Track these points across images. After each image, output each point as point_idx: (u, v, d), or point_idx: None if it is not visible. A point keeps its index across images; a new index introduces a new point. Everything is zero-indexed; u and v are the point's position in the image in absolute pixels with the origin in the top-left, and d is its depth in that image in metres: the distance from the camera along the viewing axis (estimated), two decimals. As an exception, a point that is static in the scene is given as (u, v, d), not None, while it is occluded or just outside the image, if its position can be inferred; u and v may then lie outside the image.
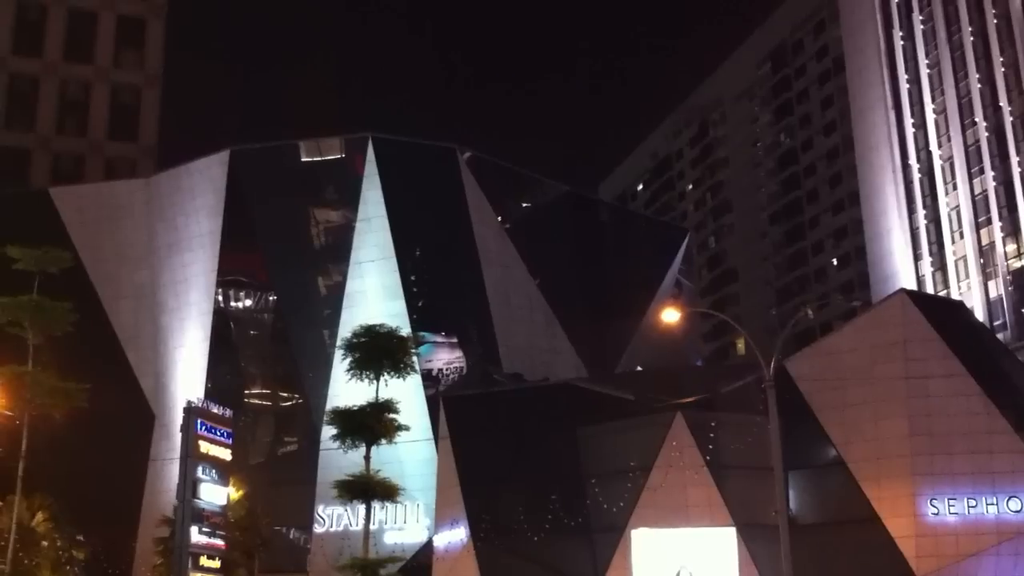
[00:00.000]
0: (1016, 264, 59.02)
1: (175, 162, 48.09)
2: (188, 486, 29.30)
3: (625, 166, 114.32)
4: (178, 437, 31.61)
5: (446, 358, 43.85)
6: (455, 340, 44.48)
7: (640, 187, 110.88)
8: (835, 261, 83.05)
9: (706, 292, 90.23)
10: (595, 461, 32.26)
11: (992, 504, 30.05)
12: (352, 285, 43.88)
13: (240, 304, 46.73)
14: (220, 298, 45.47)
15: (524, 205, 52.10)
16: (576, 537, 31.27)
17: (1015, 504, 29.96)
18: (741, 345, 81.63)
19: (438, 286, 44.12)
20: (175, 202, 46.19)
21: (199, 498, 29.59)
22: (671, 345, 48.18)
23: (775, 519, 24.33)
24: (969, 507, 29.91)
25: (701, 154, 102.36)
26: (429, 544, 35.32)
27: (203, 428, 30.48)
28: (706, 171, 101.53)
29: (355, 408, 25.56)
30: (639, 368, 45.85)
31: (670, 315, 32.22)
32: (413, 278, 43.92)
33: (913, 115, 65.37)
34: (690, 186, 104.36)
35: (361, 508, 25.59)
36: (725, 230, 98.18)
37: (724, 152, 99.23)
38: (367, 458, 25.25)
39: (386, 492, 25.24)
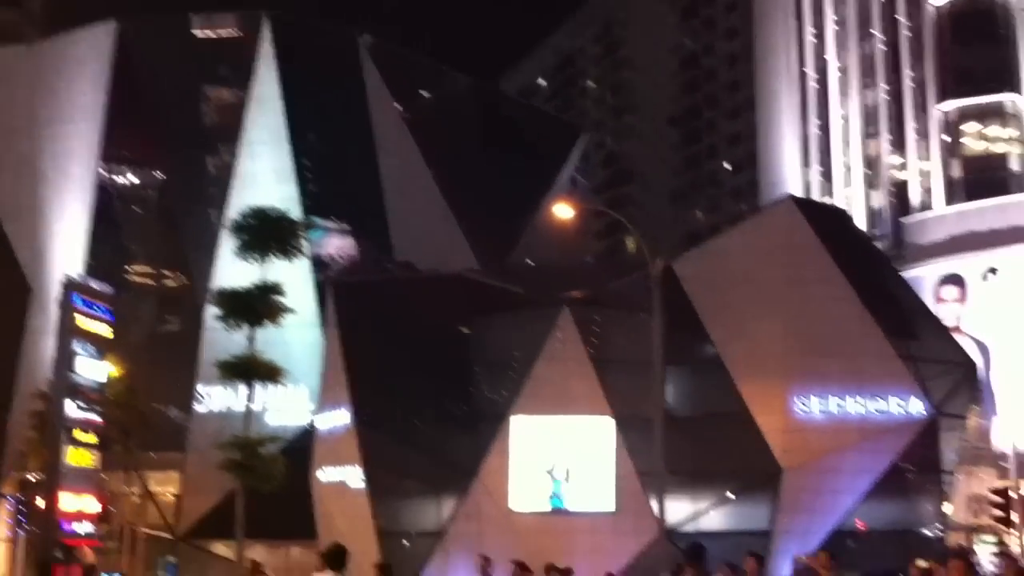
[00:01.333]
0: (899, 176, 60.84)
1: (60, 30, 45.99)
2: (64, 360, 28.80)
3: (528, 60, 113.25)
4: (55, 312, 30.93)
5: (337, 245, 43.54)
6: (347, 227, 44.12)
7: (542, 82, 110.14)
8: (728, 165, 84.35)
9: (601, 190, 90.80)
10: (483, 352, 32.64)
11: (859, 404, 31.50)
12: (243, 166, 42.98)
13: (125, 180, 45.42)
14: (104, 173, 44.09)
15: (424, 95, 51.42)
16: (460, 425, 31.77)
17: (880, 405, 31.47)
18: (632, 244, 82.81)
19: (332, 172, 43.50)
20: (59, 71, 44.23)
21: (75, 373, 29.12)
22: (563, 241, 48.54)
23: (652, 411, 25.07)
24: (836, 406, 31.32)
25: (605, 52, 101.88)
26: (311, 427, 35.57)
27: (81, 303, 29.82)
28: (609, 69, 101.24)
29: (241, 290, 25.37)
30: (530, 262, 46.22)
31: (563, 211, 32.42)
32: (306, 162, 43.21)
33: (813, 24, 66.04)
34: (592, 84, 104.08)
35: (243, 389, 25.58)
36: (624, 130, 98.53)
37: (628, 52, 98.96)
38: (251, 339, 25.15)
39: (269, 373, 25.25)
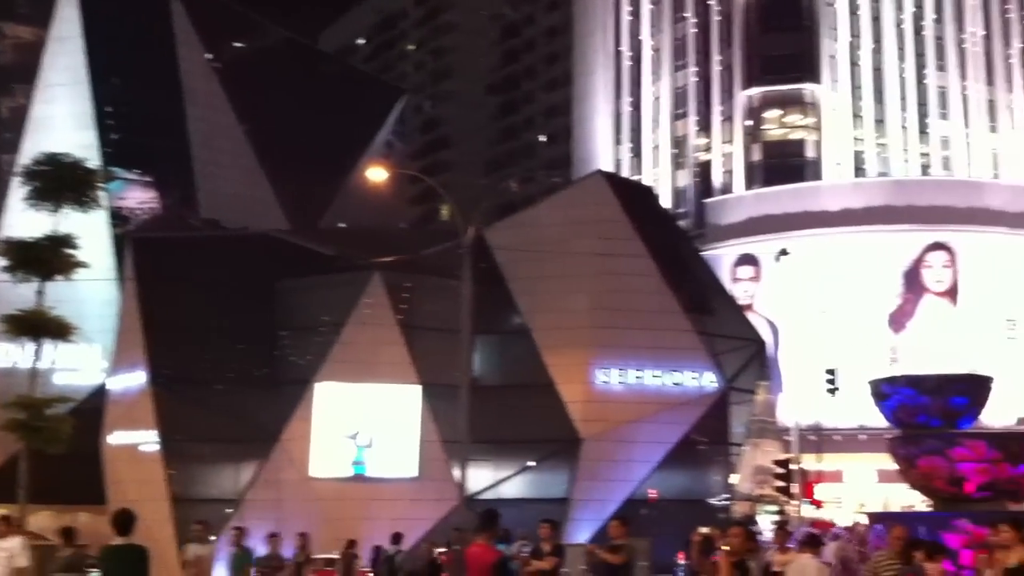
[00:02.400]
0: (704, 157, 63.12)
1: None
2: None
3: (348, 18, 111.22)
4: None
5: (138, 197, 41.61)
6: (150, 180, 42.21)
7: (362, 41, 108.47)
8: (544, 138, 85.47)
9: (417, 156, 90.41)
10: (289, 314, 31.94)
11: (656, 377, 32.62)
12: (38, 110, 40.53)
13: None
14: None
15: (238, 46, 49.67)
16: (263, 389, 30.98)
17: (676, 378, 32.70)
18: (446, 212, 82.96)
19: (135, 120, 41.38)
20: None
21: None
22: (377, 205, 48.01)
23: (459, 379, 25.22)
24: (636, 378, 32.35)
25: (427, 15, 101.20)
26: (103, 387, 34.03)
27: None
28: (430, 33, 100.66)
29: (30, 240, 23.97)
30: (342, 225, 45.55)
31: (377, 174, 32.07)
32: (108, 109, 41.07)
33: (630, 2, 67.50)
34: (412, 47, 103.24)
35: (30, 345, 24.23)
36: (443, 96, 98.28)
37: (450, 17, 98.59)
38: (40, 293, 23.82)
39: (59, 330, 23.96)
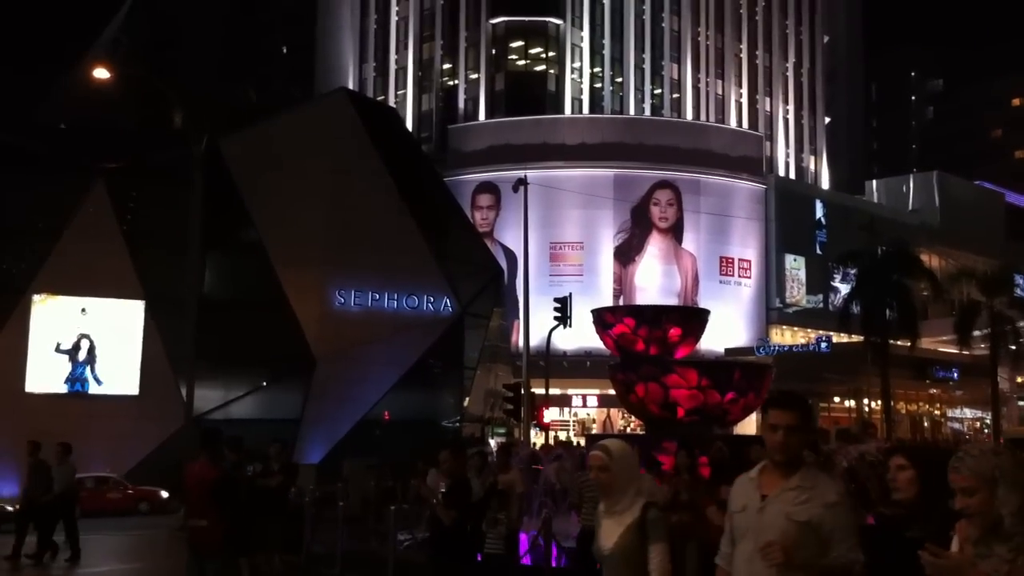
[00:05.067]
0: (449, 83, 63.04)
1: None
2: None
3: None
4: None
5: None
6: None
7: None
8: (285, 48, 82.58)
9: (149, 55, 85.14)
10: (-2, 217, 29.49)
11: (393, 299, 32.57)
12: None
13: None
14: None
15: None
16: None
17: (413, 301, 32.78)
18: (178, 117, 78.75)
19: None
20: None
21: None
22: (102, 105, 44.88)
23: (187, 293, 24.09)
24: (372, 299, 32.16)
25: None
26: None
27: None
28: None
29: None
30: (62, 125, 42.26)
31: (101, 73, 29.81)
32: None
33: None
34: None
35: None
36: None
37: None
38: None
39: None
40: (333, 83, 59.57)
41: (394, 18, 65.21)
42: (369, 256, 31.48)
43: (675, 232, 57.15)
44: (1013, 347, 44.86)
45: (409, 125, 58.77)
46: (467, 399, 35.07)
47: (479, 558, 9.75)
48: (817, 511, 4.41)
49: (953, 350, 47.99)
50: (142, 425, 27.87)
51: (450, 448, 9.05)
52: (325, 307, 31.34)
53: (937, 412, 57.06)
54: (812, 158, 73.25)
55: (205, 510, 9.29)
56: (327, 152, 31.85)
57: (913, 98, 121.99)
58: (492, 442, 32.56)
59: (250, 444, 15.42)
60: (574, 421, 47.54)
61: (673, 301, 51.86)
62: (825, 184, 71.57)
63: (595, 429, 48.02)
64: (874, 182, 74.64)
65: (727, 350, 50.39)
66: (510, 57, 61.89)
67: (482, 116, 61.09)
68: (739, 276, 57.99)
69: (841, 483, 5.52)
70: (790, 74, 71.95)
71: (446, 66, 63.40)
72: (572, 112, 60.68)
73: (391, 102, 61.09)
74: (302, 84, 67.67)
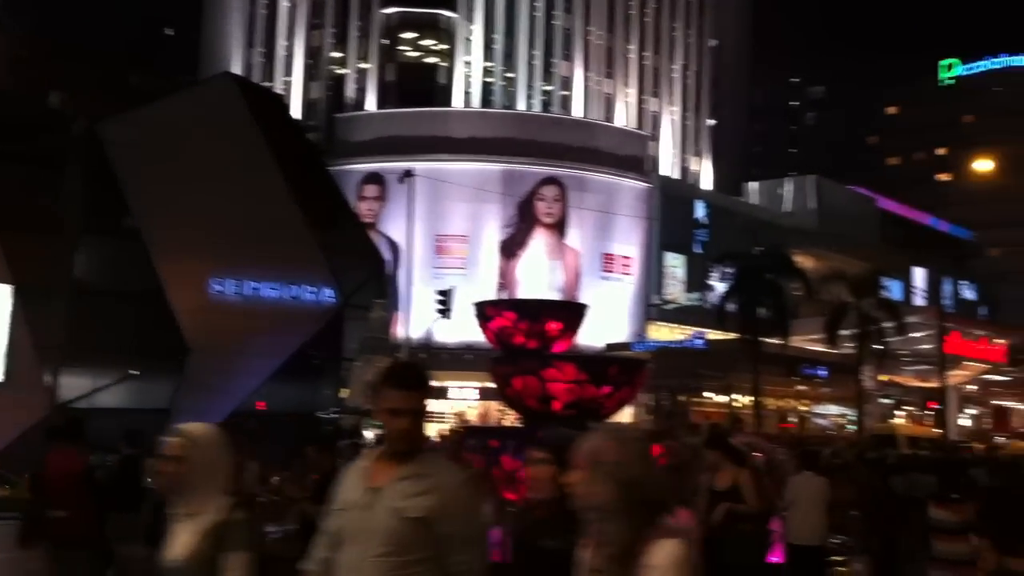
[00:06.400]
0: (338, 71, 62.58)
1: None
2: None
3: None
4: None
5: None
6: None
7: None
8: (170, 31, 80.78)
9: (30, 36, 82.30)
10: None
11: (272, 289, 32.21)
12: None
13: None
14: None
15: None
16: None
17: (294, 291, 32.48)
18: (56, 98, 76.38)
19: None
20: None
21: None
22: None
23: (58, 280, 23.56)
24: (252, 289, 31.76)
25: None
26: None
27: None
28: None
29: None
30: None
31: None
32: None
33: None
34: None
35: None
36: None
37: None
38: None
39: None
40: (218, 68, 58.50)
41: (283, 3, 64.36)
42: (250, 245, 31.02)
43: (560, 228, 57.85)
44: (878, 346, 46.77)
45: (296, 113, 58.12)
46: (346, 391, 34.96)
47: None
48: (435, 506, 3.76)
49: (822, 348, 49.77)
50: (6, 414, 27.03)
51: (316, 444, 9.17)
52: (202, 296, 30.80)
53: (804, 408, 59.12)
54: (696, 159, 74.95)
55: (68, 501, 9.22)
56: (210, 138, 31.27)
57: (794, 104, 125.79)
58: (368, 434, 32.51)
59: (120, 433, 15.19)
60: (452, 413, 47.78)
61: (556, 296, 52.52)
62: (707, 185, 73.31)
63: (473, 422, 48.36)
64: (753, 184, 76.77)
65: (608, 345, 51.27)
66: (401, 48, 61.73)
67: (371, 106, 60.81)
68: (621, 273, 59.02)
69: (466, 472, 4.70)
70: (677, 76, 73.43)
71: (336, 54, 62.88)
72: (462, 106, 60.84)
73: (278, 89, 60.31)
74: (186, 68, 66.31)
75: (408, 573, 3.72)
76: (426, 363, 38.32)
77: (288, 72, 63.83)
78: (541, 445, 11.04)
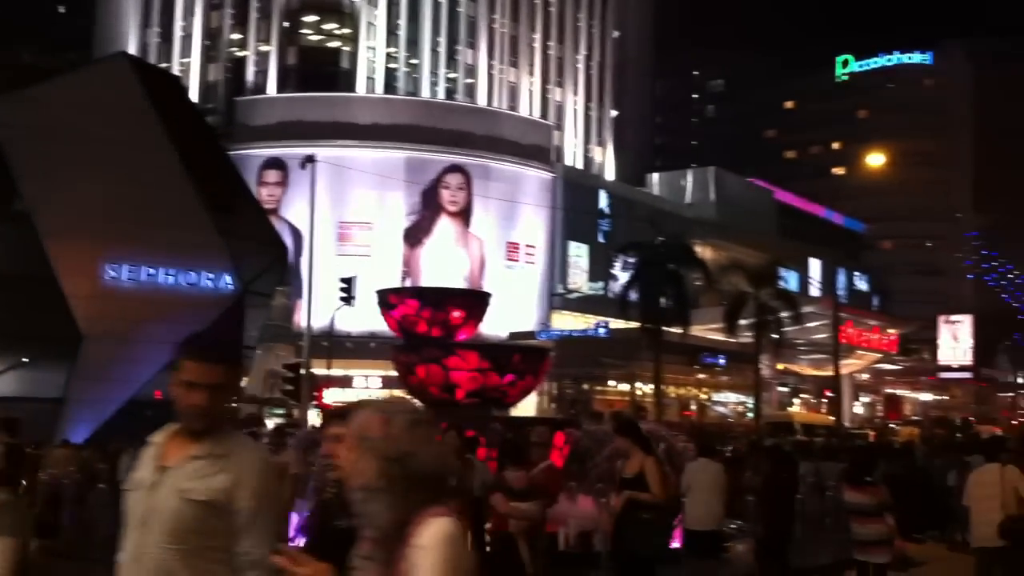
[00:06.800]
0: (238, 53, 61.41)
1: None
2: None
3: None
4: None
5: None
6: None
7: None
8: (62, 8, 78.33)
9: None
10: None
11: (170, 275, 31.50)
12: None
13: None
14: None
15: None
16: None
17: (191, 278, 31.81)
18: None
19: None
20: None
21: None
22: None
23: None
24: (148, 275, 31.01)
25: None
26: None
27: None
28: None
29: None
30: None
31: None
32: None
33: None
34: None
35: None
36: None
37: None
38: None
39: None
40: (113, 48, 56.87)
41: (182, -17, 62.89)
42: (146, 230, 30.25)
43: (464, 216, 57.75)
44: (775, 336, 47.82)
45: (194, 95, 56.82)
46: (246, 379, 34.40)
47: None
48: (225, 488, 3.49)
49: (721, 337, 50.71)
50: None
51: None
52: (95, 282, 29.96)
53: (704, 396, 60.21)
54: (599, 149, 75.56)
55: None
56: (105, 119, 30.36)
57: (695, 96, 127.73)
58: (268, 423, 32.08)
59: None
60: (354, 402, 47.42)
61: (461, 284, 52.45)
62: (610, 175, 73.98)
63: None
64: (655, 175, 77.72)
65: (511, 334, 51.42)
66: (303, 31, 60.83)
67: (272, 90, 59.81)
68: (525, 262, 59.22)
69: (267, 452, 4.46)
70: (580, 66, 73.87)
71: (235, 36, 61.65)
72: (365, 91, 60.25)
73: (175, 70, 58.84)
74: (80, 47, 64.29)
75: (195, 563, 3.42)
76: (328, 351, 37.99)
77: (186, 54, 62.39)
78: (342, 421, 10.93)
